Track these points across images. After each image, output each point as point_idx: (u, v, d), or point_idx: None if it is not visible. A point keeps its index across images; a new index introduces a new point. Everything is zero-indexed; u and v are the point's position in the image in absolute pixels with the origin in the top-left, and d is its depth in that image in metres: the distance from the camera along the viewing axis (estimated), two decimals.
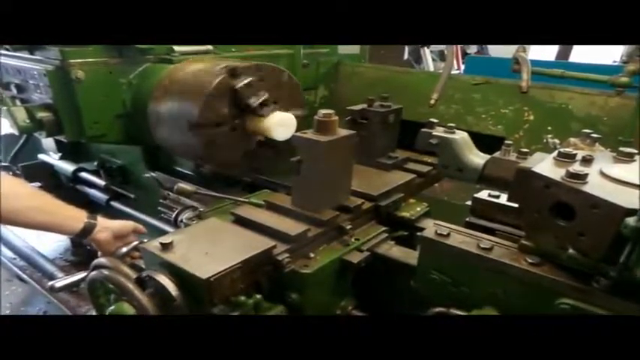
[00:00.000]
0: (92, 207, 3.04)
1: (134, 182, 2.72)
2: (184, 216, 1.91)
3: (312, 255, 1.28)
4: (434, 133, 1.35)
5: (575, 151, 1.13)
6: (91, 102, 1.97)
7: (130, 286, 1.05)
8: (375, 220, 1.55)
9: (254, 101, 1.79)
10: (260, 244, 1.20)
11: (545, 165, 1.10)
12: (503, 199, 1.44)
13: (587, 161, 1.09)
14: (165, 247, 1.12)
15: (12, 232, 3.00)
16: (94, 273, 1.15)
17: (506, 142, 1.28)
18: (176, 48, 2.13)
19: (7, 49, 2.17)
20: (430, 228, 1.23)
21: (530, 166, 1.11)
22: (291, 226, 1.30)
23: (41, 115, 1.94)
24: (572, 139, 1.46)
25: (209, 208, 1.57)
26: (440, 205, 2.35)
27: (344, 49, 3.20)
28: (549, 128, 2.23)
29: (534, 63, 2.22)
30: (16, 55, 2.13)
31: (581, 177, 0.97)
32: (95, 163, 2.78)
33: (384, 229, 1.50)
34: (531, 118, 2.29)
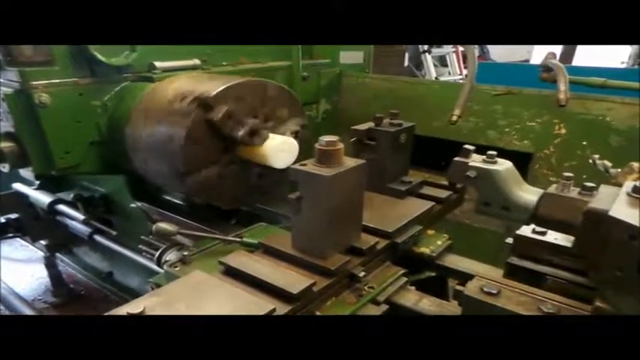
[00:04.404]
0: (75, 241, 2.79)
1: (120, 213, 2.45)
2: (168, 257, 1.63)
3: (317, 313, 1.09)
4: (471, 164, 1.07)
5: None
6: (59, 129, 1.72)
7: None
8: (391, 260, 1.33)
9: (240, 133, 1.54)
10: (254, 307, 0.97)
11: (622, 206, 0.87)
12: (551, 236, 1.18)
13: None
14: None
15: None
16: None
17: (565, 174, 1.00)
18: (157, 64, 1.87)
19: None
20: (473, 283, 0.98)
21: (604, 207, 0.86)
22: (293, 280, 1.08)
23: (2, 145, 1.68)
24: (635, 164, 1.20)
25: (195, 249, 1.34)
26: (461, 230, 2.09)
27: (346, 59, 2.95)
28: (584, 143, 1.98)
29: (534, 68, 2.01)
30: None
31: None
32: (71, 195, 2.49)
33: (402, 272, 1.29)
34: (563, 131, 2.03)
